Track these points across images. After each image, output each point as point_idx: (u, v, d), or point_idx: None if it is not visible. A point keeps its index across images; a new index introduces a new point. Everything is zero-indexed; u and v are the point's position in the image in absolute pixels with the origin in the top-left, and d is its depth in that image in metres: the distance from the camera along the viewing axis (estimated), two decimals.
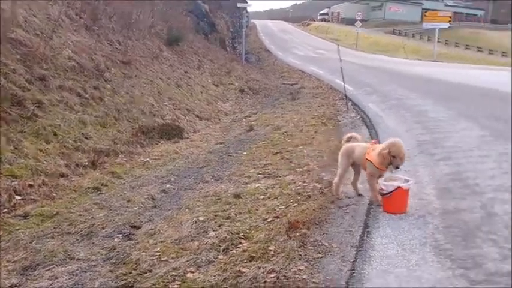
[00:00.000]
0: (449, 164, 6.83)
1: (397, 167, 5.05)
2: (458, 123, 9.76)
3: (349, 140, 5.80)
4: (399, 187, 4.88)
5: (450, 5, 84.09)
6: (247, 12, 42.89)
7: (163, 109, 11.05)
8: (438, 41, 47.47)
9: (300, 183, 6.23)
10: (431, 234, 4.39)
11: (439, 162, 6.97)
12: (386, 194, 4.95)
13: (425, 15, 49.90)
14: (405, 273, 3.65)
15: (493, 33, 72.07)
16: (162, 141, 9.35)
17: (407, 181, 5.02)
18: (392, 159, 4.99)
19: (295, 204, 5.36)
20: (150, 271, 3.89)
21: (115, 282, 3.73)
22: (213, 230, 4.70)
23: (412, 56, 43.51)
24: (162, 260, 4.08)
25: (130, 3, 14.58)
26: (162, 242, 4.51)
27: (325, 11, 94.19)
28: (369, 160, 5.23)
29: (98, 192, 6.11)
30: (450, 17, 48.76)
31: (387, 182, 4.98)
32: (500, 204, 5.04)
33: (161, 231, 4.81)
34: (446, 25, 46.70)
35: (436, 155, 7.33)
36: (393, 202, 4.98)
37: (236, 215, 5.17)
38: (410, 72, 24.68)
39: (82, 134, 7.75)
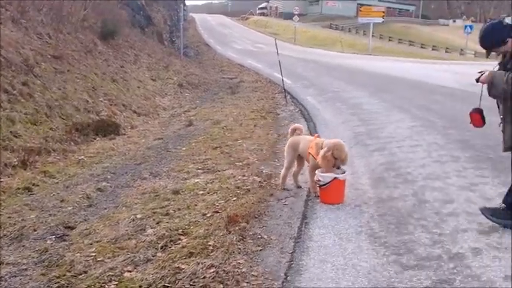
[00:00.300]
0: (383, 154, 7.08)
1: (338, 167, 5.17)
2: (392, 115, 10.13)
3: (293, 132, 5.86)
4: (335, 178, 4.99)
5: (383, 1, 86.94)
6: (185, 5, 42.36)
7: (99, 105, 10.70)
8: (373, 36, 49.08)
9: (239, 177, 6.23)
10: (366, 222, 4.53)
11: (373, 152, 7.20)
12: (323, 185, 5.05)
13: (360, 10, 51.48)
14: (341, 261, 3.73)
15: (424, 28, 75.31)
16: (97, 138, 9.05)
17: (343, 172, 5.15)
18: (334, 161, 5.09)
19: (234, 199, 5.35)
20: (85, 272, 3.75)
21: (48, 286, 3.56)
22: (151, 228, 4.61)
23: (349, 50, 44.71)
24: (98, 261, 3.94)
25: None
26: (97, 241, 4.36)
27: (263, 5, 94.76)
28: (312, 155, 5.32)
29: (29, 193, 5.83)
30: (383, 12, 50.52)
31: (324, 173, 5.08)
32: (430, 192, 5.27)
33: (97, 230, 4.65)
34: (380, 20, 48.44)
35: (371, 146, 7.57)
36: (330, 193, 5.09)
37: (175, 211, 5.09)
38: (346, 65, 25.34)
39: (11, 132, 7.37)
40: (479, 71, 4.12)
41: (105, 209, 5.40)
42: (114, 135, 9.38)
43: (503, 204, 4.22)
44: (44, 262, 3.97)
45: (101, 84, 11.92)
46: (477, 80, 4.10)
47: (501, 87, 3.82)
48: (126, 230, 4.56)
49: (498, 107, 4.19)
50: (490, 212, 4.25)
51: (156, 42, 24.75)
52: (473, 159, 6.44)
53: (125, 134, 9.76)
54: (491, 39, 3.97)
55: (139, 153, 8.10)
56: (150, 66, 17.76)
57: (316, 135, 5.88)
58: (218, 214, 4.84)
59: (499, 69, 4.05)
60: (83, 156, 7.72)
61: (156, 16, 28.83)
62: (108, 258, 3.99)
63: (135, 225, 4.68)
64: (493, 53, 4.10)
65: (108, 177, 6.68)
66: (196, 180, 6.21)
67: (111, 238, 4.40)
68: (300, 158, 5.70)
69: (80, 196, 5.75)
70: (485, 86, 4.01)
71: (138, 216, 4.93)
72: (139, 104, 12.76)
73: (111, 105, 11.17)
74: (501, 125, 4.15)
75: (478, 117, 4.26)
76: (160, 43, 25.70)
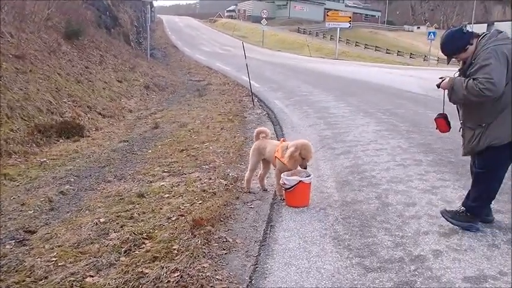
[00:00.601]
0: (348, 157, 7.17)
1: (305, 167, 5.24)
2: (357, 119, 10.29)
3: (258, 135, 5.86)
4: (301, 181, 5.03)
5: (350, 6, 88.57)
6: (152, 6, 41.98)
7: (62, 106, 10.45)
8: (340, 40, 49.88)
9: (205, 180, 6.20)
10: (331, 225, 4.58)
11: (339, 156, 7.29)
12: (289, 188, 5.08)
13: (327, 15, 52.18)
14: (306, 264, 3.76)
15: (389, 34, 76.96)
16: (61, 140, 8.84)
17: (308, 175, 5.20)
18: (302, 160, 5.16)
19: (200, 202, 5.32)
20: (46, 278, 3.65)
21: None
22: (115, 232, 4.53)
23: (316, 54, 45.29)
24: (59, 266, 3.85)
25: None
26: (59, 246, 4.26)
27: (232, 7, 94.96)
28: (278, 158, 5.35)
29: None
30: (350, 17, 51.36)
31: (289, 177, 5.11)
32: (393, 195, 5.37)
33: (58, 235, 4.54)
34: (347, 25, 49.22)
35: (337, 149, 7.66)
36: (295, 196, 5.13)
37: (139, 214, 5.02)
38: (314, 69, 25.62)
39: None
40: (440, 76, 4.24)
41: (68, 212, 5.27)
42: (78, 137, 9.18)
43: (463, 207, 4.34)
44: (2, 267, 3.85)
45: (64, 85, 11.65)
46: (438, 86, 4.22)
47: (461, 93, 3.92)
48: (89, 234, 4.47)
49: (458, 112, 4.32)
50: (450, 215, 4.38)
51: (123, 44, 24.42)
52: (435, 162, 6.61)
53: (89, 136, 9.56)
54: (451, 47, 4.08)
55: (103, 155, 7.96)
56: (116, 67, 17.48)
57: (282, 139, 5.89)
58: (183, 217, 4.81)
59: (459, 76, 4.16)
60: (45, 159, 7.52)
61: (123, 17, 28.49)
62: (70, 263, 3.90)
63: (98, 229, 4.59)
64: (454, 59, 4.22)
65: (71, 180, 6.53)
66: (161, 183, 6.15)
67: (73, 242, 4.31)
68: (266, 162, 5.73)
69: (42, 199, 5.61)
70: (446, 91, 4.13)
71: (102, 220, 4.84)
72: (105, 105, 12.53)
73: (75, 106, 10.93)
74: (461, 129, 4.29)
75: (443, 122, 4.39)
76: (126, 44, 25.37)
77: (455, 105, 4.31)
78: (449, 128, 4.38)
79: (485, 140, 4.00)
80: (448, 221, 4.35)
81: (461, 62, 4.23)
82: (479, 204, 4.23)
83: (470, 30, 4.11)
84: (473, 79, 3.80)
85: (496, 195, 4.28)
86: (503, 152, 4.00)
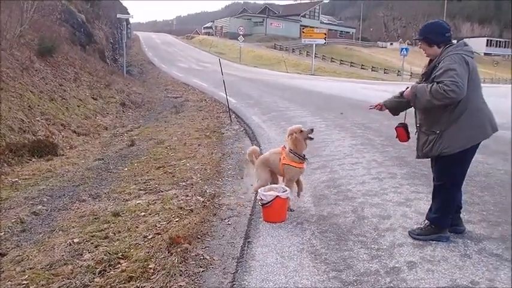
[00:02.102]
0: (325, 172, 7.21)
1: (311, 138, 5.53)
2: (333, 133, 10.38)
3: (252, 156, 5.88)
4: (277, 196, 5.03)
5: (325, 23, 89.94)
6: (128, 23, 41.89)
7: (35, 125, 10.30)
8: (316, 56, 50.51)
9: (182, 197, 6.16)
10: (308, 240, 4.58)
11: (316, 170, 7.32)
12: (266, 203, 5.07)
13: (303, 32, 52.80)
14: (283, 280, 3.75)
15: (364, 50, 78.30)
16: (33, 160, 8.70)
17: (284, 190, 5.20)
18: (304, 141, 5.41)
19: (177, 219, 5.27)
20: None
21: None
22: (89, 252, 4.45)
23: (292, 70, 45.72)
24: None
25: None
26: (31, 268, 4.17)
27: (209, 24, 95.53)
28: (286, 164, 5.39)
29: None
30: (325, 34, 52.04)
31: (266, 192, 5.11)
32: (369, 208, 5.42)
33: (30, 257, 4.45)
34: (322, 41, 49.91)
35: (313, 164, 7.69)
36: (273, 211, 5.11)
37: (115, 234, 4.95)
38: (290, 85, 25.82)
39: None
40: (407, 86, 4.37)
41: (40, 233, 5.18)
42: (52, 156, 9.04)
43: (427, 221, 4.43)
44: None
45: (37, 103, 11.49)
46: (401, 94, 4.38)
47: (424, 99, 4.02)
48: (62, 255, 4.39)
49: (415, 116, 4.45)
50: (416, 232, 4.48)
51: (98, 60, 24.25)
52: (408, 175, 6.70)
53: (63, 155, 9.42)
54: (429, 31, 4.20)
55: (78, 174, 7.84)
56: (91, 84, 17.32)
57: (283, 146, 5.69)
58: (160, 236, 4.76)
59: (422, 80, 4.29)
60: (17, 179, 7.38)
61: (98, 34, 28.35)
62: (42, 285, 3.83)
63: (72, 250, 4.52)
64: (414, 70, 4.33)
65: (44, 200, 6.41)
66: (137, 202, 6.08)
67: (45, 264, 4.22)
68: (273, 174, 5.71)
69: (13, 221, 5.50)
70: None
71: (75, 240, 4.76)
72: (79, 123, 12.39)
73: (48, 124, 10.78)
74: (416, 133, 4.44)
75: (402, 131, 4.59)
76: (102, 61, 25.21)
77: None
78: (408, 137, 4.58)
79: (438, 147, 4.15)
80: (416, 239, 4.41)
81: (424, 66, 4.39)
82: (441, 215, 4.32)
83: (450, 35, 4.21)
84: (438, 82, 3.91)
85: (458, 203, 4.40)
86: (456, 161, 4.14)
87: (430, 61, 4.29)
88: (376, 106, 4.87)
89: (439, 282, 3.60)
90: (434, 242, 4.31)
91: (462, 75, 3.85)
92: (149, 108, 18.12)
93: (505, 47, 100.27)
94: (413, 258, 4.03)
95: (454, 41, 4.22)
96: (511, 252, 4.04)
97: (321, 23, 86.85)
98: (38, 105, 11.40)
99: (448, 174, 4.23)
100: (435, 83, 3.93)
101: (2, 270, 4.18)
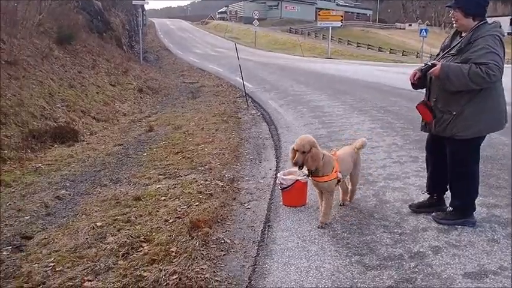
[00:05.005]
0: None
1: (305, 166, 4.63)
2: (352, 117, 10.29)
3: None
4: (297, 180, 5.01)
5: (341, 5, 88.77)
6: (144, 10, 41.91)
7: (56, 111, 10.41)
8: (332, 39, 49.94)
9: (201, 181, 6.17)
10: (329, 223, 4.55)
11: None
12: (286, 187, 5.06)
13: (319, 14, 52.26)
14: (305, 264, 3.74)
15: (381, 32, 77.13)
16: (55, 146, 8.80)
17: (305, 174, 5.17)
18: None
19: (197, 204, 5.29)
20: (44, 283, 3.62)
21: None
22: (112, 235, 4.49)
23: (308, 54, 45.35)
24: (57, 271, 3.81)
25: None
26: (56, 251, 4.22)
27: (223, 9, 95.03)
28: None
29: None
30: (342, 16, 51.47)
31: (286, 176, 5.09)
32: (391, 192, 5.37)
33: (55, 240, 4.51)
34: (339, 24, 49.36)
35: (333, 149, 7.63)
36: (293, 195, 5.10)
37: (136, 218, 4.99)
38: (306, 68, 25.63)
39: None
40: (429, 63, 4.09)
41: (64, 217, 5.24)
42: (73, 142, 9.14)
43: (450, 207, 4.36)
44: (0, 274, 3.81)
45: (58, 90, 11.60)
46: (425, 71, 4.07)
47: (459, 81, 3.79)
48: (86, 239, 4.43)
49: (429, 90, 4.23)
50: (441, 217, 4.40)
51: (115, 47, 24.33)
52: None
53: (83, 141, 9.52)
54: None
55: (99, 159, 7.92)
56: (109, 71, 17.41)
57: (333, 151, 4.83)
58: (180, 220, 4.78)
59: (444, 55, 4.08)
60: (40, 164, 7.48)
61: (115, 21, 28.40)
62: (68, 268, 3.87)
63: (95, 234, 4.56)
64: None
65: (67, 184, 6.49)
66: (157, 186, 6.12)
67: (70, 247, 4.27)
68: None
69: (38, 205, 5.57)
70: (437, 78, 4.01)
71: (98, 224, 4.81)
72: (99, 109, 12.49)
73: (69, 111, 10.88)
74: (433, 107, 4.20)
75: (424, 109, 4.23)
76: (119, 48, 25.29)
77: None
78: (434, 116, 4.17)
79: (452, 129, 4.02)
80: (440, 223, 4.34)
81: (446, 39, 4.22)
82: (463, 200, 4.25)
83: (485, 13, 3.95)
84: (478, 64, 3.69)
85: (478, 185, 4.27)
86: (468, 145, 4.04)
87: (454, 34, 4.12)
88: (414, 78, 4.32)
89: (465, 267, 3.55)
90: (460, 227, 4.24)
91: (502, 60, 3.71)
92: (166, 94, 18.18)
93: None
94: (438, 242, 3.98)
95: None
96: None
97: (337, 5, 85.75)
98: (59, 93, 11.50)
99: (461, 157, 4.12)
100: (474, 65, 3.71)
101: (29, 253, 4.24)
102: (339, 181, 4.60)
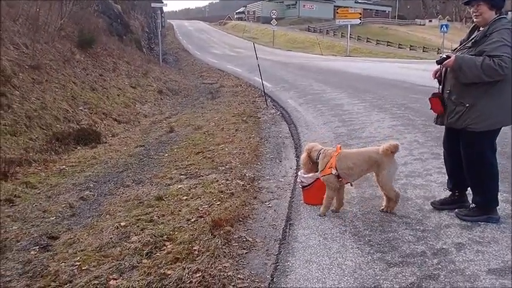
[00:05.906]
0: None
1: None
2: (372, 115, 10.22)
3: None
4: (318, 178, 5.01)
5: (360, 2, 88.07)
6: (162, 12, 42.28)
7: (79, 114, 10.60)
8: (351, 37, 49.59)
9: (222, 181, 6.22)
10: (350, 221, 4.55)
11: None
12: (306, 186, 5.07)
13: (337, 13, 52.00)
14: (327, 261, 3.75)
15: (401, 29, 76.25)
16: (78, 147, 8.97)
17: None
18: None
19: (218, 203, 5.34)
20: (71, 282, 3.71)
21: None
22: (136, 235, 4.57)
23: (327, 52, 45.13)
24: (83, 270, 3.91)
25: (36, 3, 13.77)
26: (82, 250, 4.32)
27: (241, 9, 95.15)
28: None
29: (11, 204, 5.77)
30: (360, 14, 51.06)
31: (306, 175, 5.09)
32: (412, 189, 5.33)
33: (81, 239, 4.62)
34: (357, 21, 49.02)
35: (353, 146, 7.60)
36: (313, 193, 5.09)
37: (159, 217, 5.07)
38: (325, 67, 25.52)
39: None
40: (444, 55, 4.09)
41: (89, 217, 5.36)
42: (96, 144, 9.30)
43: (473, 204, 4.31)
44: (28, 273, 3.93)
45: (80, 93, 11.81)
46: (440, 62, 4.08)
47: (472, 73, 3.80)
48: (111, 238, 4.53)
49: (443, 82, 4.22)
50: (464, 213, 4.36)
51: (135, 50, 24.64)
52: None
53: (106, 142, 9.68)
54: None
55: (121, 161, 8.04)
56: (129, 73, 17.64)
57: (338, 146, 4.93)
58: (202, 219, 4.83)
59: (460, 48, 4.09)
60: (64, 166, 7.64)
61: (134, 24, 28.75)
62: (93, 266, 3.96)
63: (119, 233, 4.65)
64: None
65: (91, 185, 6.62)
66: (179, 186, 6.19)
67: (95, 246, 4.37)
68: None
69: (63, 206, 5.70)
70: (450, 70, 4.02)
71: (122, 223, 4.90)
72: (120, 111, 12.67)
73: (91, 113, 11.08)
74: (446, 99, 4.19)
75: (437, 101, 4.24)
76: (139, 50, 25.59)
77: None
78: (445, 109, 4.19)
79: (465, 120, 4.00)
80: (463, 220, 4.31)
81: (471, 26, 4.16)
82: (485, 196, 4.21)
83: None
84: (491, 56, 3.70)
85: (498, 180, 4.20)
86: (481, 138, 4.00)
87: (472, 30, 4.09)
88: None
89: (489, 263, 3.51)
90: (483, 223, 4.20)
91: None
92: (186, 95, 18.32)
93: None
94: (461, 239, 3.95)
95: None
96: None
97: (355, 2, 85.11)
98: (81, 95, 11.71)
99: (475, 151, 4.09)
100: (487, 57, 3.72)
101: (55, 252, 4.35)
102: (339, 178, 4.67)
